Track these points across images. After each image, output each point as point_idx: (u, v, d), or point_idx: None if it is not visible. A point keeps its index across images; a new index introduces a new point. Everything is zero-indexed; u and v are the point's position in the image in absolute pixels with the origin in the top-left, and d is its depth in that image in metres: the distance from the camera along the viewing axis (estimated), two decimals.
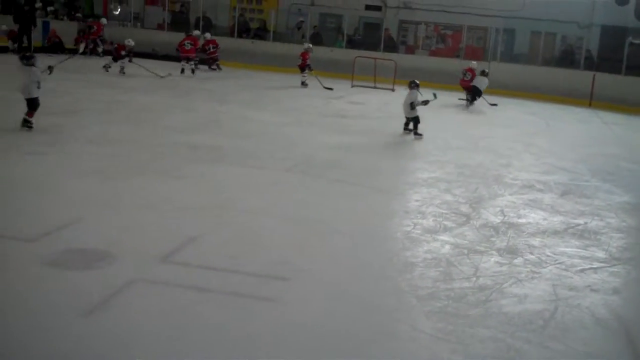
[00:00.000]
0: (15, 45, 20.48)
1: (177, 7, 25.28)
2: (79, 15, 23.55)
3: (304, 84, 19.01)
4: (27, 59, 10.28)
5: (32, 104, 10.11)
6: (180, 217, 6.74)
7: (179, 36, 21.09)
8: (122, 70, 18.19)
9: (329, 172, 9.27)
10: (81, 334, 4.30)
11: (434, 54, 23.67)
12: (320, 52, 21.93)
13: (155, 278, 5.22)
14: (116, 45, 18.90)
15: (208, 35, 21.59)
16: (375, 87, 19.57)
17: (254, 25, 24.67)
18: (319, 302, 5.07)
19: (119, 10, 25.64)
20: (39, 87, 10.11)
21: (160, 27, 24.32)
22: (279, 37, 23.34)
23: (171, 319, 4.58)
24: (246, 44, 22.99)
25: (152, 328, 4.45)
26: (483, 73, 18.36)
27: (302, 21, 23.65)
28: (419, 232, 6.90)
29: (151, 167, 8.63)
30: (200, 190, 7.86)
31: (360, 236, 6.70)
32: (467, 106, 18.09)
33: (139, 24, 24.91)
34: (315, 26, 24.11)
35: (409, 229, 6.98)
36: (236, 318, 4.69)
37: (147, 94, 14.58)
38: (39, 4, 23.75)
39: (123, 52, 18.29)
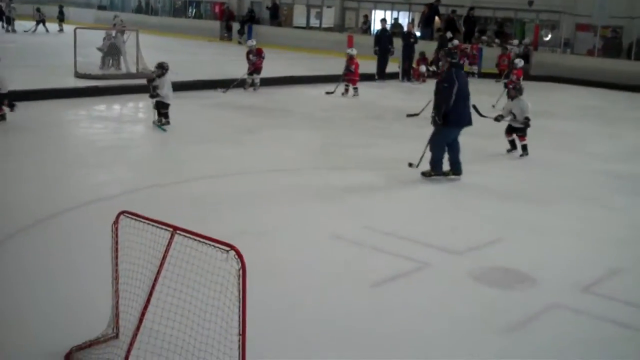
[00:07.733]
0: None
1: (609, 33, 24.39)
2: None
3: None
4: None
5: None
6: (601, 247, 6.63)
7: (609, 62, 20.35)
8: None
9: None
10: (499, 349, 4.57)
11: None
12: None
13: (575, 307, 5.24)
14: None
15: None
16: None
17: None
18: None
19: (549, 36, 25.70)
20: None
21: (590, 52, 23.71)
22: None
23: (585, 350, 4.60)
24: None
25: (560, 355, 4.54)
26: None
27: None
28: None
29: (575, 193, 8.60)
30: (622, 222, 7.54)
31: None
32: None
33: (568, 50, 24.63)
34: None
35: None
36: None
37: (569, 120, 14.46)
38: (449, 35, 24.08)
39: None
